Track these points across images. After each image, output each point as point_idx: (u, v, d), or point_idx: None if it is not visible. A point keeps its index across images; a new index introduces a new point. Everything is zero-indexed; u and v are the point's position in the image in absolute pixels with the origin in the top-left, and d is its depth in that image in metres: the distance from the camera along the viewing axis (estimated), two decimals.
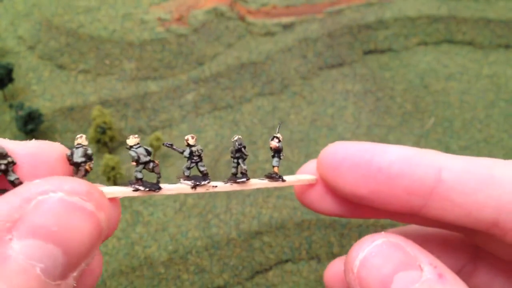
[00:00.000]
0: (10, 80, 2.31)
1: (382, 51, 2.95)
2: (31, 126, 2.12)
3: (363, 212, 0.57)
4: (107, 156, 1.98)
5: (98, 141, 2.18)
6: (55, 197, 0.34)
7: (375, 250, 0.42)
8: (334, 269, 0.63)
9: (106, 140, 2.17)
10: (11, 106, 2.27)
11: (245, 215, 1.96)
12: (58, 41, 2.71)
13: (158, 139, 2.13)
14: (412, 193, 0.45)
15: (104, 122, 2.16)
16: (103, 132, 2.14)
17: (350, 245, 1.85)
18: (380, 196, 0.46)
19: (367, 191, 0.47)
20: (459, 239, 0.58)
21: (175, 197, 2.03)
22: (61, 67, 2.62)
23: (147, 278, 1.78)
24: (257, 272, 1.83)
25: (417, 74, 2.82)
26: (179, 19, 2.97)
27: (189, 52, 2.79)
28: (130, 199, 1.98)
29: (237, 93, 2.62)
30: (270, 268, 1.84)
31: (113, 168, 1.95)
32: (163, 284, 1.77)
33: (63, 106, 2.39)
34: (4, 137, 0.40)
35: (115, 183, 2.08)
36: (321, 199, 0.55)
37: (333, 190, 0.52)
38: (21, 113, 2.11)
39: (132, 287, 1.75)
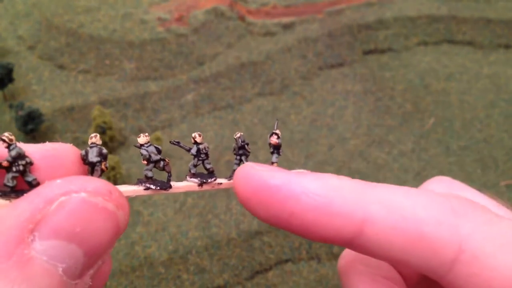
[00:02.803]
0: (10, 80, 2.31)
1: (382, 51, 2.95)
2: (31, 126, 2.12)
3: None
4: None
5: None
6: (78, 197, 0.34)
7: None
8: (350, 254, 0.57)
9: (106, 140, 2.17)
10: (11, 106, 2.27)
11: (245, 215, 1.96)
12: (58, 41, 2.71)
13: (158, 139, 2.13)
14: (336, 236, 0.37)
15: (104, 122, 2.16)
16: (103, 132, 2.14)
17: None
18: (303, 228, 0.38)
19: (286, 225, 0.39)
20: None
21: (175, 197, 2.03)
22: (61, 67, 2.61)
23: (147, 278, 1.78)
24: (257, 272, 1.83)
25: (417, 74, 2.82)
26: (179, 19, 2.97)
27: (189, 52, 2.79)
28: (131, 199, 1.98)
29: (237, 93, 2.62)
30: (270, 268, 1.84)
31: (113, 168, 1.96)
32: (163, 284, 1.77)
33: (63, 106, 2.39)
34: None
35: (115, 183, 2.09)
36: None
37: None
38: (21, 113, 2.11)
39: (132, 287, 1.75)
